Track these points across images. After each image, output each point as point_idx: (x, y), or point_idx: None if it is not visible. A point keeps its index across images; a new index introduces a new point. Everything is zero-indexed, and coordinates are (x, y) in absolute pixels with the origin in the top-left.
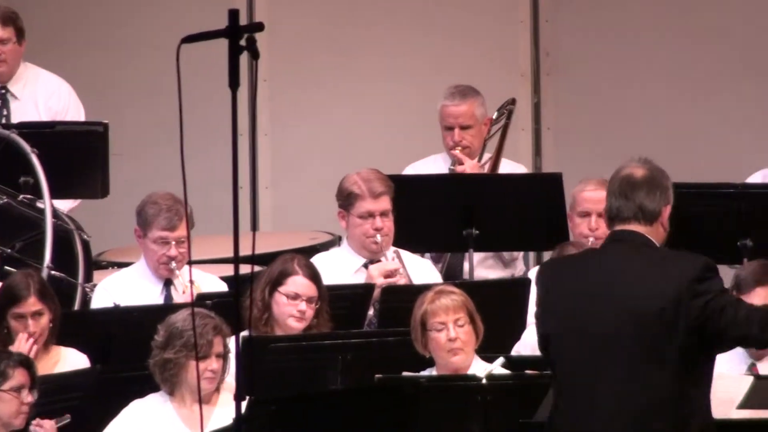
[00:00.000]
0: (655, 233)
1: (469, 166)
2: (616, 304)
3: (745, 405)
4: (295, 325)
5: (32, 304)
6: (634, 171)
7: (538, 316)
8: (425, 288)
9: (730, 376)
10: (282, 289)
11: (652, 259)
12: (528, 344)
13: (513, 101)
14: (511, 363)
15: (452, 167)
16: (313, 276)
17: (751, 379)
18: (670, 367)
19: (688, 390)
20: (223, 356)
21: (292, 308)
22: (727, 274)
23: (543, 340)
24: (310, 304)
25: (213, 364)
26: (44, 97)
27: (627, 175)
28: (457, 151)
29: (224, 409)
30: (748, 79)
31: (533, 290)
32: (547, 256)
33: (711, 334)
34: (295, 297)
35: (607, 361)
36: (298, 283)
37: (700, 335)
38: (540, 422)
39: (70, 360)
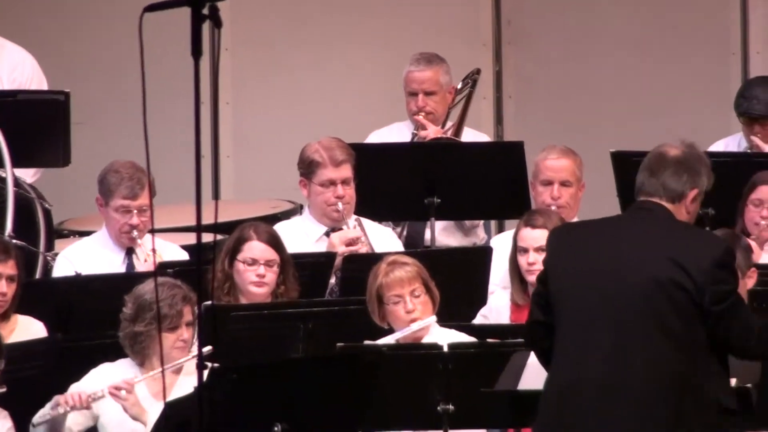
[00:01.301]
0: (678, 212)
1: (432, 132)
2: (634, 270)
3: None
4: (257, 291)
5: (11, 267)
6: (669, 150)
7: (547, 276)
8: (384, 257)
9: None
10: (240, 256)
11: (673, 233)
12: (494, 309)
13: (478, 71)
14: (473, 331)
15: (415, 131)
16: (270, 240)
17: None
18: (674, 341)
19: (691, 366)
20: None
21: (251, 274)
22: None
23: (544, 298)
24: (270, 268)
25: (184, 334)
26: (8, 69)
27: (660, 153)
28: (420, 117)
29: (188, 377)
30: (709, 49)
31: (495, 258)
32: (509, 224)
33: (711, 326)
34: (253, 262)
35: (614, 325)
36: (254, 248)
37: (705, 319)
38: (501, 390)
39: (27, 328)
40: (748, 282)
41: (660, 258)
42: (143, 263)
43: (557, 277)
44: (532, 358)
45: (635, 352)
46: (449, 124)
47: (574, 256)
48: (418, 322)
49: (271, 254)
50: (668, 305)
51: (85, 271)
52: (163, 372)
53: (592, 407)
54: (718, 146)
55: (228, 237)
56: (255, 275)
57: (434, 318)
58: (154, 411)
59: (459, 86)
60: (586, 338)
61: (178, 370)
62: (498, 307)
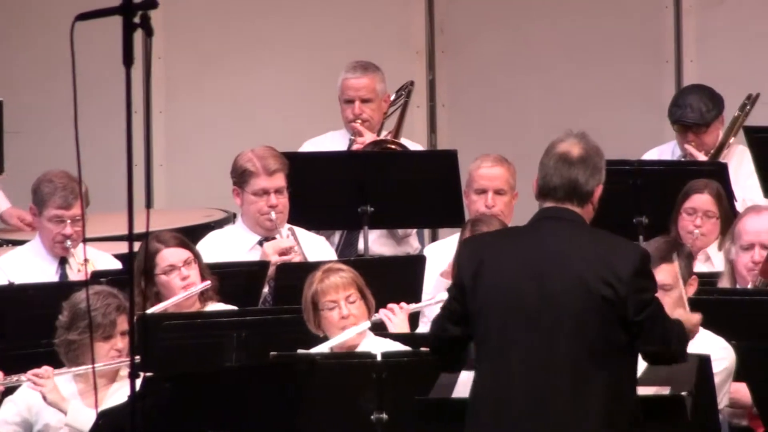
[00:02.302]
0: (586, 213)
1: (369, 139)
2: (559, 284)
3: (641, 382)
4: (189, 292)
5: None
6: (570, 149)
7: (463, 292)
8: (320, 265)
9: None
10: (157, 270)
11: (591, 241)
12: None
13: (412, 83)
14: (408, 340)
15: (352, 137)
16: (177, 241)
17: None
18: (598, 352)
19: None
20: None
21: (176, 279)
22: None
23: (464, 317)
24: (189, 266)
25: (118, 343)
26: None
27: (563, 154)
28: (356, 124)
29: (122, 385)
30: (643, 57)
31: (428, 267)
32: (442, 233)
33: (637, 337)
34: (172, 269)
35: (539, 339)
36: (167, 256)
37: (628, 328)
38: (436, 399)
39: None
40: (689, 290)
41: (582, 269)
42: (76, 273)
43: (477, 292)
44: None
45: (562, 365)
46: (384, 133)
47: (494, 268)
48: (352, 327)
49: (184, 253)
50: (593, 316)
51: (18, 280)
52: (95, 381)
53: (522, 419)
54: (651, 154)
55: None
56: (180, 279)
57: (369, 323)
58: (83, 413)
59: (393, 97)
60: (513, 351)
61: (111, 378)
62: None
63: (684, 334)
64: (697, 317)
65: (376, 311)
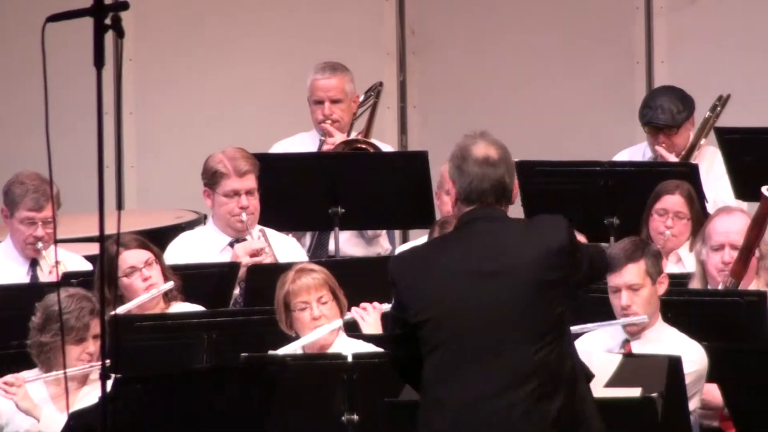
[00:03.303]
0: (507, 210)
1: (340, 139)
2: (504, 279)
3: (612, 383)
4: (151, 294)
5: None
6: (489, 151)
7: (406, 307)
8: (291, 266)
9: (600, 355)
10: (120, 273)
11: (522, 230)
12: None
13: (381, 84)
14: (379, 341)
15: (322, 138)
16: (137, 243)
17: (619, 357)
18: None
19: (563, 350)
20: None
21: (138, 281)
22: None
23: (413, 329)
24: (150, 267)
25: (90, 346)
26: None
27: (485, 156)
28: (326, 125)
29: (93, 387)
30: (614, 58)
31: None
32: (413, 234)
33: (578, 285)
34: (133, 271)
35: (492, 339)
36: (128, 258)
37: (577, 286)
38: (406, 400)
39: None
40: (659, 288)
41: (522, 263)
42: (47, 275)
43: (416, 303)
44: None
45: (512, 365)
46: (354, 134)
47: (430, 282)
48: (324, 326)
49: (144, 254)
50: (538, 305)
51: None
52: (66, 385)
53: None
54: (622, 156)
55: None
56: (141, 280)
57: (340, 322)
58: (56, 418)
59: (362, 98)
60: (465, 359)
61: (82, 381)
62: None
63: (602, 252)
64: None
65: (348, 310)
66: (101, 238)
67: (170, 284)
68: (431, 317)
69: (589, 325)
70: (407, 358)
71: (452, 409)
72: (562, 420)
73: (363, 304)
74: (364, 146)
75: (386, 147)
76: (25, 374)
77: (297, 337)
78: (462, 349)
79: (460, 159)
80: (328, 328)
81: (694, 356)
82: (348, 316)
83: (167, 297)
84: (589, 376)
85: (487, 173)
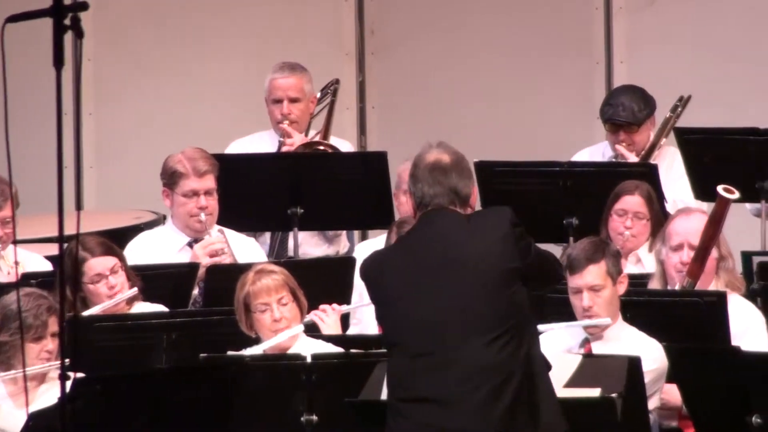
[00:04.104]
0: (466, 213)
1: (298, 140)
2: (453, 272)
3: (571, 383)
4: (116, 300)
5: None
6: (441, 156)
7: (374, 304)
8: (250, 267)
9: (560, 355)
10: (85, 278)
11: (466, 222)
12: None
13: (337, 81)
14: (339, 342)
15: (281, 139)
16: (104, 249)
17: (579, 357)
18: (512, 323)
19: (521, 341)
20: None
21: (103, 288)
22: (554, 252)
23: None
24: (116, 274)
25: (49, 344)
26: None
27: (435, 161)
28: (285, 125)
29: (51, 385)
30: (573, 58)
31: (358, 267)
32: (372, 233)
33: (530, 276)
34: (100, 278)
35: (449, 331)
36: (94, 265)
37: (525, 277)
38: (365, 400)
39: None
40: (619, 288)
41: (468, 250)
42: (6, 275)
43: (380, 306)
44: None
45: (474, 353)
46: (312, 133)
47: (387, 281)
48: (285, 331)
49: (111, 261)
50: (493, 298)
51: None
52: (25, 384)
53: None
54: (582, 155)
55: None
56: (107, 288)
57: (302, 327)
58: (15, 414)
59: (318, 96)
60: (421, 355)
61: (41, 379)
62: (366, 320)
63: (552, 254)
64: None
65: (308, 312)
66: (61, 239)
67: (134, 290)
68: (386, 315)
69: (552, 326)
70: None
71: (412, 404)
72: (520, 412)
73: (322, 306)
74: (323, 147)
75: (344, 144)
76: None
77: (257, 338)
78: (417, 344)
79: (414, 167)
80: (288, 333)
81: (654, 354)
82: (307, 318)
83: (129, 298)
84: (548, 365)
85: (437, 178)
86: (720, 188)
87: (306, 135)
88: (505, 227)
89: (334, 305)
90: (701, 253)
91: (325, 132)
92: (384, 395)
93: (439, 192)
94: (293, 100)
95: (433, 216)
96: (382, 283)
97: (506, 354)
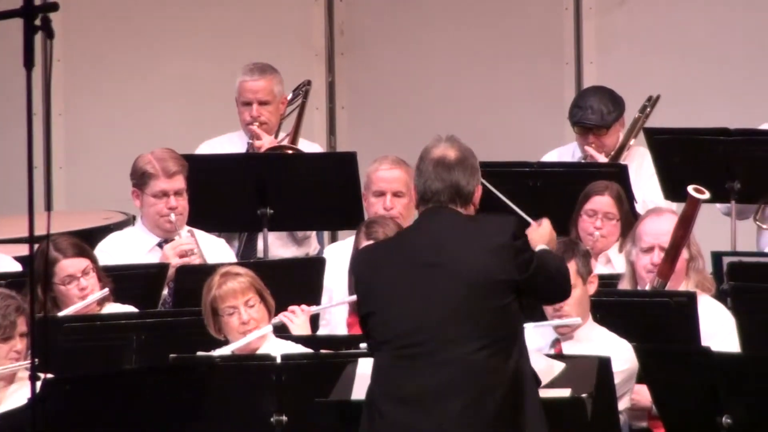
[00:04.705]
0: (468, 212)
1: (267, 142)
2: (446, 275)
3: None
4: (86, 302)
5: None
6: (447, 152)
7: (360, 302)
8: (217, 269)
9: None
10: (56, 279)
11: (467, 226)
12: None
13: (308, 83)
14: (308, 342)
15: (250, 141)
16: (76, 251)
17: (545, 358)
18: (502, 332)
19: (515, 353)
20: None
21: (74, 289)
22: None
23: (363, 321)
24: (87, 275)
25: (17, 344)
26: None
27: (441, 156)
28: (254, 127)
29: (20, 386)
30: (543, 59)
31: (328, 268)
32: (342, 234)
33: (528, 290)
34: (71, 279)
35: (442, 334)
36: (66, 267)
37: (520, 290)
38: (335, 401)
39: None
40: (590, 288)
41: (463, 255)
42: None
43: (367, 301)
44: (363, 369)
45: (457, 359)
46: (282, 134)
47: (379, 277)
48: (255, 331)
49: (82, 262)
50: (485, 302)
51: None
52: None
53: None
54: (552, 156)
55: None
56: (78, 289)
57: (271, 327)
58: None
59: (290, 97)
60: (407, 355)
61: (9, 379)
62: (335, 321)
63: (566, 272)
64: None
65: (277, 313)
66: (31, 240)
67: (105, 291)
68: (375, 311)
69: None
70: (371, 350)
71: (394, 405)
72: (503, 421)
73: (291, 308)
74: (291, 152)
75: (314, 146)
76: None
77: (226, 341)
78: (403, 343)
79: (420, 160)
80: (257, 334)
81: (624, 355)
82: (276, 320)
83: (99, 299)
84: (538, 381)
85: (440, 174)
86: (690, 188)
87: (276, 135)
88: (506, 238)
89: (303, 306)
90: (671, 253)
91: (295, 133)
92: (354, 395)
93: (440, 188)
94: (262, 103)
95: (432, 215)
96: (373, 279)
97: (491, 365)
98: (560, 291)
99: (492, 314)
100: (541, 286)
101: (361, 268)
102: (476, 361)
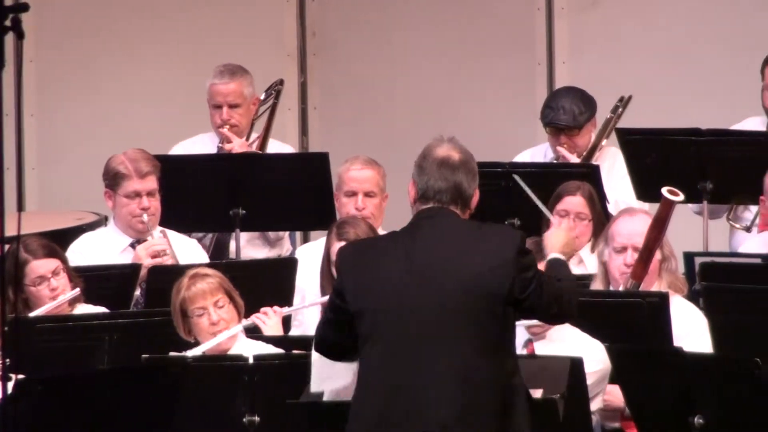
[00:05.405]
0: (465, 215)
1: (238, 145)
2: (443, 280)
3: None
4: (57, 302)
5: None
6: (451, 153)
7: (344, 294)
8: (186, 271)
9: None
10: (27, 281)
11: (471, 234)
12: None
13: (281, 82)
14: (280, 343)
15: (221, 144)
16: (46, 251)
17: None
18: (493, 342)
19: (507, 364)
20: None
21: (45, 290)
22: None
23: (344, 324)
24: (57, 276)
25: None
26: None
27: (446, 157)
28: (225, 130)
29: None
30: (515, 59)
31: (300, 268)
32: (314, 234)
33: (526, 308)
34: (42, 281)
35: (434, 338)
36: (36, 268)
37: (518, 307)
38: (307, 402)
39: None
40: None
41: (465, 266)
42: None
43: (359, 295)
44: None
45: (447, 364)
46: (254, 135)
47: (375, 271)
48: (225, 331)
49: (53, 263)
50: (478, 311)
51: None
52: None
53: (407, 419)
54: (524, 156)
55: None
56: (49, 290)
57: (241, 326)
58: None
59: (262, 97)
60: (399, 354)
61: None
62: (306, 322)
63: (573, 291)
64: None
65: (249, 315)
66: (2, 240)
67: (76, 291)
68: (368, 309)
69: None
70: (330, 343)
71: (382, 406)
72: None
73: (264, 309)
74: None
75: (286, 147)
76: None
77: (197, 343)
78: (394, 346)
79: (422, 158)
80: (228, 334)
81: (596, 356)
82: (249, 321)
83: (71, 299)
84: (529, 397)
85: (444, 174)
86: (664, 190)
87: (248, 136)
88: (510, 253)
89: (276, 308)
90: (645, 255)
91: (265, 135)
92: (326, 396)
93: (444, 188)
94: (233, 106)
95: (433, 216)
96: (363, 274)
97: (485, 372)
98: (563, 314)
99: (488, 327)
100: (544, 306)
101: (349, 263)
102: (468, 371)
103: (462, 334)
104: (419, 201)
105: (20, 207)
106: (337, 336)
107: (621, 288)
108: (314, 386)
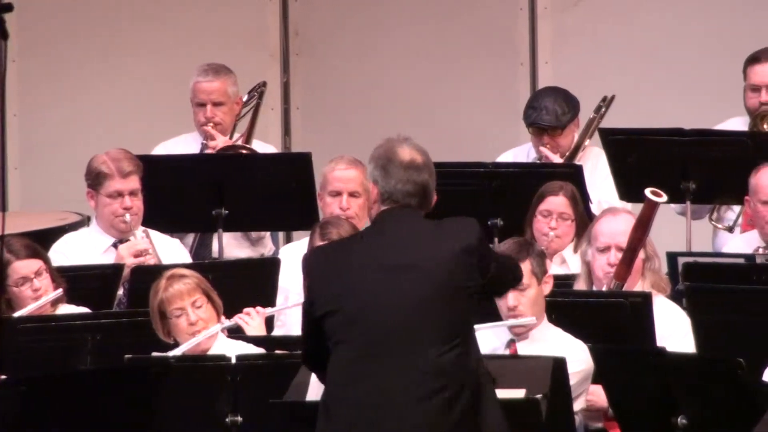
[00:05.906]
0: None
1: (221, 142)
2: (413, 276)
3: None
4: (40, 303)
5: None
6: (414, 155)
7: (313, 302)
8: (166, 271)
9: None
10: (10, 281)
11: (434, 230)
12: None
13: (264, 84)
14: (262, 343)
15: (204, 142)
16: (29, 252)
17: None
18: (463, 333)
19: (475, 352)
20: None
21: (27, 291)
22: None
23: (316, 321)
24: (40, 276)
25: None
26: None
27: (411, 160)
28: (208, 128)
29: None
30: (498, 59)
31: (283, 268)
32: (297, 235)
33: (491, 290)
34: (24, 281)
35: (405, 333)
36: (18, 268)
37: (484, 292)
38: (290, 401)
39: None
40: (545, 288)
41: (430, 257)
42: None
43: (329, 297)
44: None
45: (420, 359)
46: (237, 135)
47: (342, 275)
48: (204, 331)
49: (35, 264)
50: (448, 305)
51: None
52: None
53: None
54: (507, 156)
55: None
56: (31, 290)
57: (220, 326)
58: None
59: (245, 99)
60: (371, 355)
61: None
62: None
63: (511, 261)
64: None
65: (232, 316)
66: None
67: (59, 292)
68: (337, 310)
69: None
70: (312, 352)
71: (355, 405)
72: (465, 422)
73: (246, 309)
74: (245, 152)
75: (268, 147)
76: None
77: (176, 344)
78: (368, 344)
79: (385, 160)
80: (207, 333)
81: (579, 356)
82: (231, 322)
83: (54, 300)
84: (492, 379)
85: (411, 177)
86: (648, 191)
87: (231, 136)
88: (472, 241)
89: (259, 308)
90: (628, 255)
91: (249, 134)
92: (309, 396)
93: (413, 191)
94: (216, 104)
95: (395, 216)
96: (333, 278)
97: (459, 365)
98: (513, 279)
99: (457, 316)
100: (500, 282)
101: (317, 268)
102: (445, 363)
103: (433, 328)
104: (384, 203)
105: (3, 207)
106: (314, 343)
107: (604, 288)
108: (311, 394)
